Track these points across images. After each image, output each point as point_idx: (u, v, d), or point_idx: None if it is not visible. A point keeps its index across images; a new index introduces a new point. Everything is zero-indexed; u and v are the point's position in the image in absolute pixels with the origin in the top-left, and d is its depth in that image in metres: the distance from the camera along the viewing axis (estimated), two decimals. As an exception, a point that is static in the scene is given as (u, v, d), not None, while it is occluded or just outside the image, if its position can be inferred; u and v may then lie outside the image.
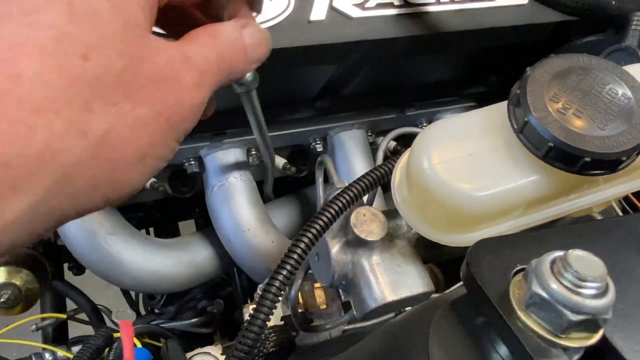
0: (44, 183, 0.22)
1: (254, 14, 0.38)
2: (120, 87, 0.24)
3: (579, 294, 0.23)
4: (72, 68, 0.23)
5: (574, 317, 0.23)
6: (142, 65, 0.25)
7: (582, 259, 0.24)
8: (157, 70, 0.26)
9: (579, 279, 0.24)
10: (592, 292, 0.24)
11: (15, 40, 0.22)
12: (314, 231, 0.44)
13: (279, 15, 0.55)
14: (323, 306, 0.65)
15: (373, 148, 0.79)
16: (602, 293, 0.24)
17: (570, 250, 0.24)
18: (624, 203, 0.57)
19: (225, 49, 0.31)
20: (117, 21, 0.24)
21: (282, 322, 0.62)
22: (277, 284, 0.42)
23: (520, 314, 0.25)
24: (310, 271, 0.55)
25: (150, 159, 0.27)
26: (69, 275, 1.01)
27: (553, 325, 0.24)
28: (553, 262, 0.25)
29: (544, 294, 0.24)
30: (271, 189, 0.79)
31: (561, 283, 0.24)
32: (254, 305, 0.43)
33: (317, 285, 0.67)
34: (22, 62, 0.22)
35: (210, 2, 0.34)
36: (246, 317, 0.66)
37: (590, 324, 0.24)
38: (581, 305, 0.23)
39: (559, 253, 0.25)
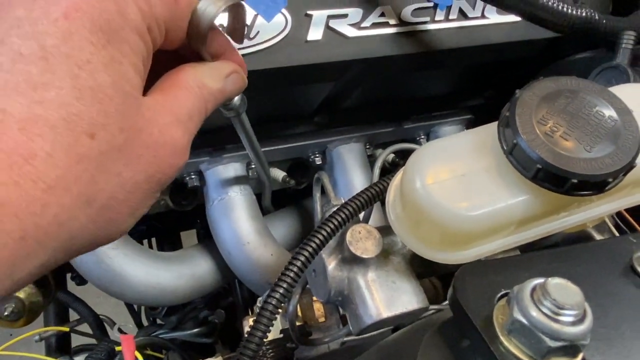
0: (51, 247, 0.24)
1: (236, 45, 0.39)
2: (122, 159, 0.26)
3: (557, 321, 0.24)
4: (80, 147, 0.24)
5: (553, 344, 0.24)
6: (140, 136, 0.27)
7: (561, 287, 0.25)
8: (153, 140, 0.28)
9: (557, 307, 0.25)
10: (570, 319, 0.25)
11: (27, 120, 0.23)
12: (310, 249, 0.45)
13: (277, 36, 0.56)
14: (322, 319, 0.66)
15: (371, 160, 0.80)
16: (580, 320, 0.25)
17: (549, 279, 0.25)
18: (616, 218, 0.58)
19: (208, 99, 0.33)
20: (118, 95, 0.26)
21: (281, 335, 0.63)
22: (274, 301, 0.43)
23: (503, 339, 0.26)
24: (308, 285, 0.56)
25: (139, 211, 0.29)
26: (71, 285, 1.02)
27: (533, 351, 0.25)
28: (533, 289, 0.26)
29: (524, 321, 0.25)
30: (269, 203, 0.80)
31: (540, 310, 0.25)
32: (253, 320, 0.44)
33: (315, 298, 0.68)
34: (36, 144, 0.23)
35: (193, 40, 0.35)
36: (246, 330, 0.68)
37: (570, 349, 0.25)
38: (559, 332, 0.24)
39: (539, 280, 0.26)
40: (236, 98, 0.46)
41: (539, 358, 0.25)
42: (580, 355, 0.26)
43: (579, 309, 0.25)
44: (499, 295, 0.28)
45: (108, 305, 1.07)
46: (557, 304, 0.24)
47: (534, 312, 0.25)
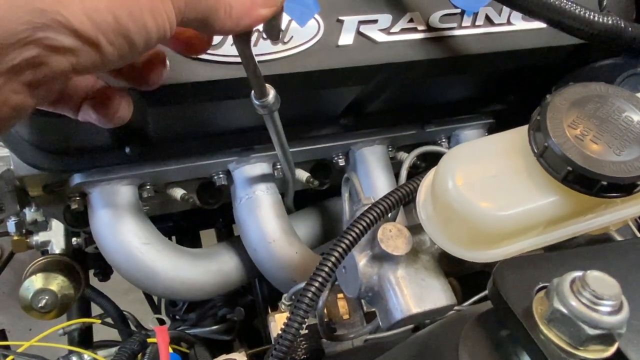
0: None
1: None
2: None
3: (596, 310, 0.26)
4: None
5: (592, 332, 0.26)
6: None
7: (599, 279, 0.27)
8: None
9: (596, 297, 0.26)
10: (608, 309, 0.26)
11: None
12: (344, 245, 0.47)
13: (309, 40, 0.58)
14: (346, 316, 0.68)
15: (393, 162, 0.82)
16: (617, 310, 0.26)
17: (588, 271, 0.27)
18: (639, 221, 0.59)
19: None
20: None
21: (307, 331, 0.65)
22: (309, 294, 0.45)
23: (543, 327, 0.28)
24: (336, 282, 0.57)
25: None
26: (93, 281, 1.04)
27: (572, 339, 0.27)
28: (573, 281, 0.27)
29: (564, 310, 0.27)
30: (292, 202, 0.82)
31: (580, 301, 0.26)
32: (287, 314, 0.46)
33: (340, 295, 0.69)
34: None
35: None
36: (271, 325, 0.69)
37: (606, 338, 0.27)
38: (598, 320, 0.26)
39: (577, 273, 0.28)
40: (270, 96, 0.48)
41: (577, 345, 0.27)
42: (616, 345, 0.27)
43: (616, 299, 0.26)
44: (537, 287, 0.30)
45: (125, 301, 1.09)
46: (596, 294, 0.26)
47: (574, 302, 0.26)
